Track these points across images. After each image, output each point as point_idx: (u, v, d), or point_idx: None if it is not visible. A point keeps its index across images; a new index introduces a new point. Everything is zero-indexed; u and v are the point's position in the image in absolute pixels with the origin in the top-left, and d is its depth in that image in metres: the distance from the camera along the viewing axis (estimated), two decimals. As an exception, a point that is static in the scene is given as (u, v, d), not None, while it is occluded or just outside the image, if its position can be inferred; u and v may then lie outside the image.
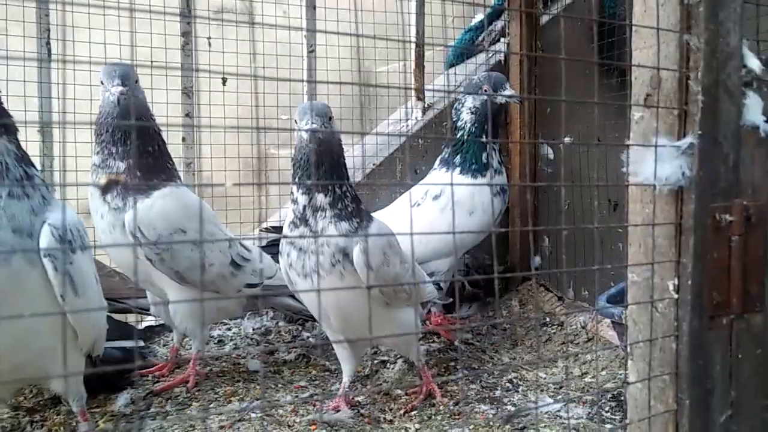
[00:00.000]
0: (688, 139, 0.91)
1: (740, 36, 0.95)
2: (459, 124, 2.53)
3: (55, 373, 1.44)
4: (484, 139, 2.47)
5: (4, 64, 2.27)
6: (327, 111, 1.70)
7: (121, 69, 1.86)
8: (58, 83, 2.50)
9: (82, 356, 1.53)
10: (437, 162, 2.63)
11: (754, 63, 0.94)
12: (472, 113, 2.50)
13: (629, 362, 0.99)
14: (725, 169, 0.94)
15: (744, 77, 0.94)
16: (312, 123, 1.65)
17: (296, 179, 1.74)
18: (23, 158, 1.37)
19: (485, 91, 2.45)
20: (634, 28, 1.00)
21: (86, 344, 1.50)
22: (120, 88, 1.81)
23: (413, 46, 3.16)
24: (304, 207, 1.71)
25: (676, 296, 0.94)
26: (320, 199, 1.70)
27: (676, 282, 0.94)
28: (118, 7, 2.37)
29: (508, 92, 2.45)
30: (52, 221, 1.33)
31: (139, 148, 1.91)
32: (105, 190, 0.71)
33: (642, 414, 0.97)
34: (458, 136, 2.51)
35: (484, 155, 2.47)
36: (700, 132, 0.91)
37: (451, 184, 2.43)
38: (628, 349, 0.99)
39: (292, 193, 1.75)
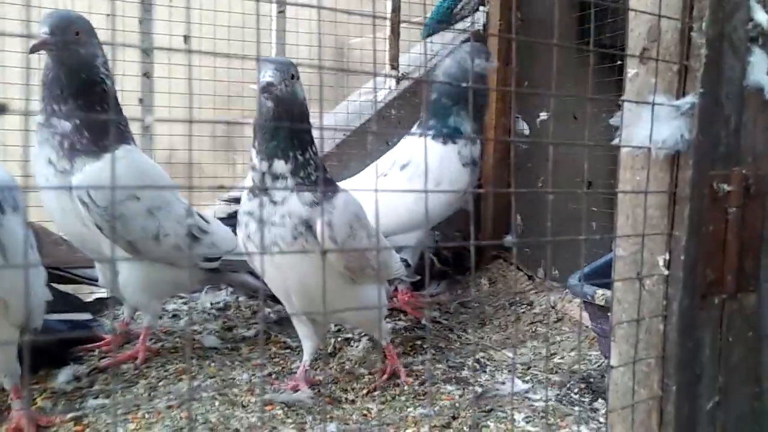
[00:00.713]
0: (689, 98, 0.82)
1: (748, -15, 0.85)
2: (434, 86, 2.44)
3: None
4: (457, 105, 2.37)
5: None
6: (290, 68, 1.56)
7: (56, 15, 1.69)
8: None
9: (15, 330, 1.39)
10: (415, 126, 2.52)
11: (762, 16, 0.85)
12: (447, 76, 2.41)
13: (612, 344, 0.91)
14: (726, 133, 0.85)
15: (750, 31, 0.85)
16: (270, 77, 1.50)
17: (255, 144, 1.60)
18: None
19: (466, 54, 2.37)
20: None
21: (17, 317, 1.35)
22: (43, 37, 1.64)
23: (389, 10, 3.03)
24: (263, 174, 1.58)
25: (666, 272, 0.85)
26: (280, 166, 1.56)
27: (667, 257, 0.85)
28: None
29: (484, 63, 2.36)
30: (-24, 179, 1.19)
31: (83, 107, 1.74)
32: None
33: (624, 401, 0.88)
34: (433, 97, 2.41)
35: (453, 119, 2.37)
36: (701, 90, 0.82)
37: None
38: (612, 330, 0.90)
39: (251, 159, 1.62)
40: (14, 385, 1.44)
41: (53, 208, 1.91)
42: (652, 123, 0.81)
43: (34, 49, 1.66)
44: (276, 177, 1.57)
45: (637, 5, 0.86)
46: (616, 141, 0.87)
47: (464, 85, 2.28)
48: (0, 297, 1.27)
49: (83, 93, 1.75)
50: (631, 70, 0.88)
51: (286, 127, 1.57)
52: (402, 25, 3.07)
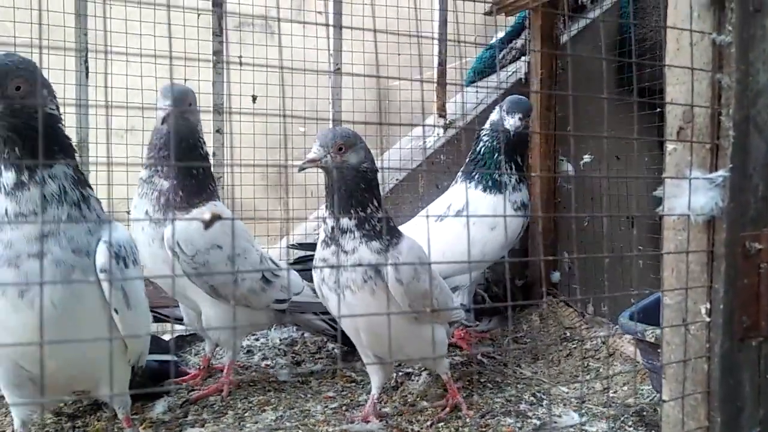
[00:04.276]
0: (721, 173, 0.97)
1: (768, 74, 1.01)
2: (481, 135, 2.63)
3: (104, 383, 1.52)
4: (497, 156, 2.54)
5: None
6: (336, 140, 1.74)
7: (175, 90, 1.93)
8: (96, 102, 2.60)
9: (129, 367, 1.60)
10: (459, 175, 2.70)
11: (782, 100, 1.00)
12: (491, 125, 2.60)
13: (663, 381, 1.05)
14: (755, 199, 1.00)
15: (772, 113, 1.00)
16: (312, 154, 1.73)
17: (326, 202, 1.81)
18: (80, 181, 1.43)
19: (504, 110, 2.53)
20: (666, 65, 1.06)
21: (134, 355, 1.57)
22: (168, 109, 1.89)
23: (435, 63, 3.24)
24: (333, 228, 1.78)
25: (708, 319, 0.99)
26: (345, 222, 1.76)
27: (708, 306, 0.99)
28: (154, 31, 2.49)
29: (511, 122, 2.48)
30: (107, 239, 1.41)
31: (183, 170, 1.98)
32: (208, 225, 0.76)
33: (675, 431, 1.02)
34: (479, 149, 2.60)
35: (497, 174, 2.55)
36: (731, 165, 0.97)
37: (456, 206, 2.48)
38: (662, 370, 1.04)
39: (324, 213, 1.83)
40: (126, 415, 1.65)
41: (145, 254, 2.13)
42: (689, 194, 0.96)
43: (163, 122, 1.91)
44: (344, 231, 1.77)
45: (672, 94, 1.03)
46: (659, 210, 1.02)
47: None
48: (124, 338, 1.48)
49: (186, 156, 1.99)
50: (670, 145, 1.04)
51: (342, 189, 1.76)
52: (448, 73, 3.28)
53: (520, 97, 2.59)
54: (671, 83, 1.04)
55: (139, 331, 1.52)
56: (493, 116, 2.63)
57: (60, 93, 2.54)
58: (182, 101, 1.94)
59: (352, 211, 1.76)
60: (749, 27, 0.99)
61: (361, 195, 1.78)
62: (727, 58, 0.99)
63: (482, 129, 2.66)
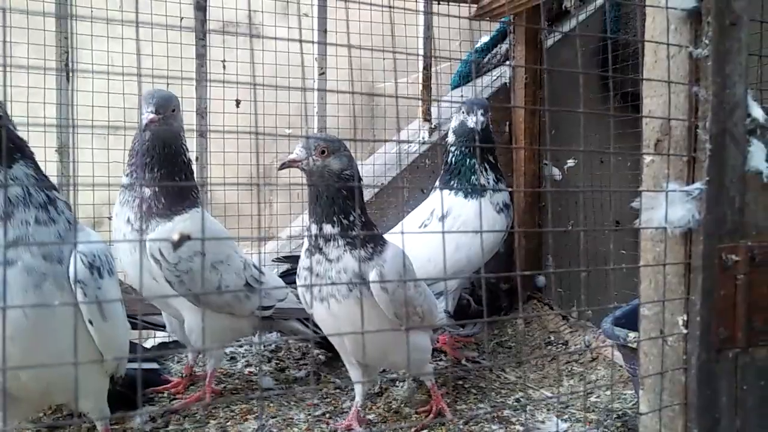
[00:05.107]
0: (698, 185, 0.98)
1: (745, 87, 1.01)
2: (448, 146, 2.64)
3: (82, 396, 1.49)
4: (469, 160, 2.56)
5: (24, 87, 2.35)
6: (319, 144, 1.73)
7: (159, 96, 1.90)
8: (76, 118, 2.56)
9: (107, 378, 1.58)
10: (437, 182, 2.71)
11: (758, 112, 1.01)
12: (453, 133, 2.61)
13: (640, 392, 1.05)
14: (731, 212, 1.00)
15: (748, 126, 1.01)
16: (294, 155, 1.72)
17: (309, 209, 1.80)
18: (43, 182, 1.37)
19: (463, 112, 2.56)
20: (644, 76, 1.06)
21: (111, 366, 1.54)
22: (151, 116, 1.86)
23: (420, 67, 3.24)
24: (316, 236, 1.77)
25: (685, 331, 1.00)
26: (328, 229, 1.75)
27: (685, 317, 1.00)
28: (137, 39, 2.45)
29: (473, 119, 2.52)
30: (81, 249, 1.37)
31: (165, 175, 1.96)
32: (176, 245, 0.75)
33: (653, 442, 1.02)
34: (449, 157, 2.61)
35: (473, 178, 2.55)
36: (708, 178, 0.97)
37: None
38: (640, 381, 1.04)
39: (308, 221, 1.82)
40: (105, 426, 1.62)
41: (127, 262, 2.11)
42: (666, 207, 0.96)
43: (146, 128, 1.88)
44: (327, 239, 1.76)
45: (650, 106, 1.03)
46: (637, 223, 1.03)
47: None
48: (99, 349, 1.45)
49: (169, 163, 1.97)
50: (648, 157, 1.04)
51: (324, 195, 1.75)
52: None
53: (478, 98, 2.62)
54: (649, 95, 1.05)
55: (115, 342, 1.49)
56: (453, 124, 2.65)
57: (39, 98, 2.55)
58: (165, 107, 1.91)
59: (335, 219, 1.75)
60: (726, 40, 0.99)
61: (343, 202, 1.77)
62: (704, 71, 0.99)
63: (447, 140, 2.67)
